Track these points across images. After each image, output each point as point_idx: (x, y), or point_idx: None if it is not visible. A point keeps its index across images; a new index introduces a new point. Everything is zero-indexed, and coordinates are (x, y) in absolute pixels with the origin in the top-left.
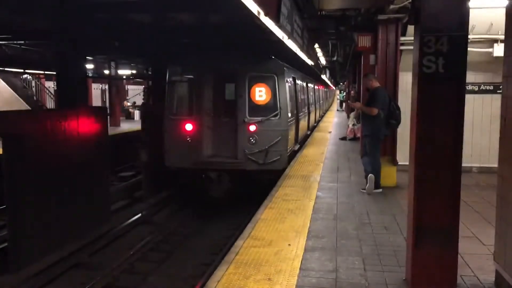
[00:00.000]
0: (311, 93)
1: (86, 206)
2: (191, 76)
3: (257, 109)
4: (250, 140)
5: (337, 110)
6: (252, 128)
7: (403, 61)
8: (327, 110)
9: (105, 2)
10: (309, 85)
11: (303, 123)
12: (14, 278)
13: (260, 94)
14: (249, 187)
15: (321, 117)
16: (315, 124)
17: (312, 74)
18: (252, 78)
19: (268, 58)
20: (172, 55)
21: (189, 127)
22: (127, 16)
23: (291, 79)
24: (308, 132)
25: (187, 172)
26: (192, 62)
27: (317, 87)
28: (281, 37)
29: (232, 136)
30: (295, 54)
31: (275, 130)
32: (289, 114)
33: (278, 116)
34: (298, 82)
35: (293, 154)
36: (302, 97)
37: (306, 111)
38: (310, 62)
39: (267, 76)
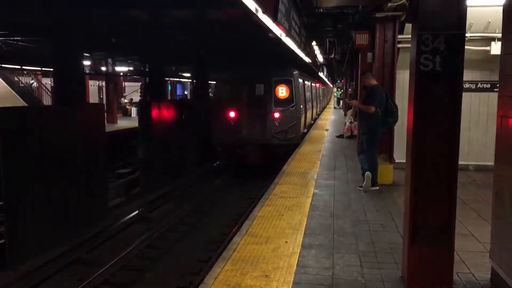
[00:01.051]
0: (314, 91)
1: (84, 203)
2: (233, 79)
3: (279, 102)
4: (275, 123)
5: (334, 107)
6: (276, 115)
7: (400, 59)
8: (324, 108)
9: None
10: (312, 84)
11: (309, 114)
12: (12, 274)
13: (282, 91)
14: (272, 157)
15: (320, 112)
16: (316, 116)
17: (311, 73)
18: (276, 81)
19: (287, 67)
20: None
21: (232, 114)
22: (124, 12)
23: (301, 81)
24: (312, 122)
25: (230, 146)
26: (234, 69)
27: (318, 85)
28: (278, 35)
29: (262, 120)
30: (302, 59)
31: (292, 116)
32: (301, 106)
33: (294, 107)
34: (305, 83)
35: (303, 135)
36: (308, 94)
37: (311, 105)
38: (307, 59)
39: (286, 79)
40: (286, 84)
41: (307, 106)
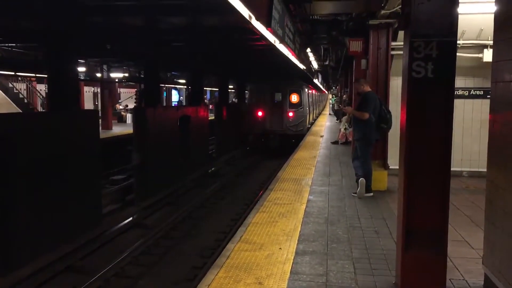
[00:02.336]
0: (314, 98)
1: (77, 209)
2: (260, 89)
3: (292, 105)
4: (289, 119)
5: (329, 114)
6: (290, 114)
7: (394, 65)
8: (320, 113)
9: (97, 5)
10: (313, 92)
11: (311, 114)
12: (4, 281)
13: (294, 98)
14: (286, 143)
15: (318, 115)
16: (315, 118)
17: (313, 84)
18: (290, 90)
19: (298, 81)
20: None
21: (260, 113)
22: (119, 19)
23: (307, 90)
24: (313, 121)
25: (257, 135)
26: (261, 83)
27: (316, 93)
28: (272, 41)
29: (280, 117)
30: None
31: (301, 115)
32: (307, 108)
33: (302, 108)
34: (309, 91)
35: (307, 129)
36: (310, 100)
37: (312, 108)
38: (302, 66)
39: (297, 89)
40: (297, 93)
41: (310, 109)
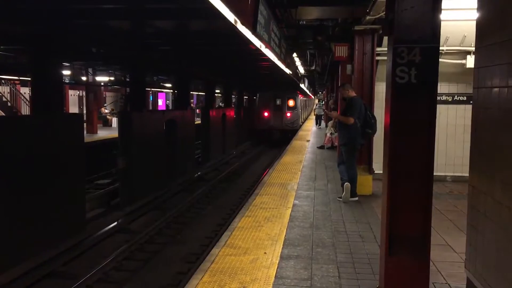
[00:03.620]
0: (304, 102)
1: (60, 214)
2: (266, 96)
3: (289, 108)
4: (287, 118)
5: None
6: (288, 114)
7: (379, 71)
8: (308, 116)
9: (83, 8)
10: (304, 98)
11: (303, 115)
12: None
13: (291, 102)
14: (284, 135)
15: (306, 118)
16: (305, 118)
17: (298, 88)
18: (288, 97)
19: (293, 90)
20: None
21: (266, 114)
22: (106, 22)
23: (299, 97)
24: (304, 120)
25: (264, 130)
26: (266, 91)
27: (304, 98)
28: (258, 46)
29: (280, 117)
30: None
31: (296, 115)
32: (300, 110)
33: (297, 110)
34: (301, 97)
35: (300, 126)
36: (302, 104)
37: (304, 110)
38: (288, 71)
39: (293, 96)
40: (293, 99)
41: (302, 111)
